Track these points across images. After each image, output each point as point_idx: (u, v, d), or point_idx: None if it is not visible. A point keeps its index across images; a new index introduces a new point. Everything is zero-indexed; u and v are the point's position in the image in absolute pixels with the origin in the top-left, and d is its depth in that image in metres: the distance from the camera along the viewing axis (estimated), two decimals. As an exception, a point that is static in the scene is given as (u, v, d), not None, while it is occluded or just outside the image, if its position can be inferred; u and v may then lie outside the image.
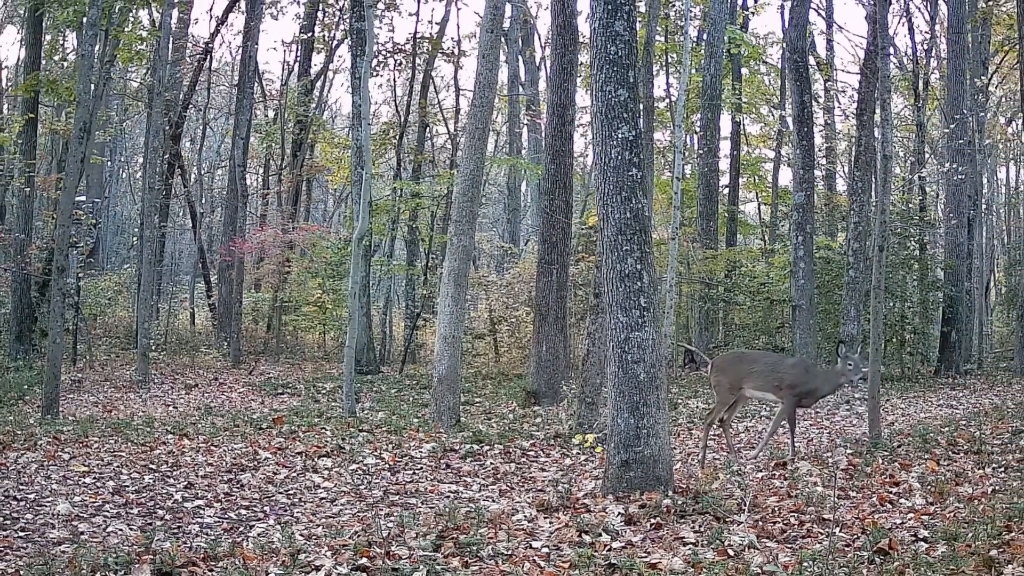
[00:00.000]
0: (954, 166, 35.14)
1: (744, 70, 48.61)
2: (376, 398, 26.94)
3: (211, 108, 58.07)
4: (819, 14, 49.27)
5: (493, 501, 13.13)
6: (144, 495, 12.81)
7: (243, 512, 12.41)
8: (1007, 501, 11.27)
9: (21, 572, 8.50)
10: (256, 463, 15.24)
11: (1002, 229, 64.34)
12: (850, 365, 16.26)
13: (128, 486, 13.22)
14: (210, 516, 12.05)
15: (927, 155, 47.06)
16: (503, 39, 31.69)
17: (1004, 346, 49.48)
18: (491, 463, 16.51)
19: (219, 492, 13.28)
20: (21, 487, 12.77)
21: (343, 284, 37.22)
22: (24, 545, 10.05)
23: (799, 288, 31.27)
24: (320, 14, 47.90)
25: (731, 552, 9.71)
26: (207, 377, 32.02)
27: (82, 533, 10.77)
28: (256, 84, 48.08)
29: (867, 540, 9.82)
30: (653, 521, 10.99)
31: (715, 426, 18.12)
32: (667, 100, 45.64)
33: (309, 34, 47.89)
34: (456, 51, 47.75)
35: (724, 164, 45.65)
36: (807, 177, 32.52)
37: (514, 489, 14.39)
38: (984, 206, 47.24)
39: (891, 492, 12.48)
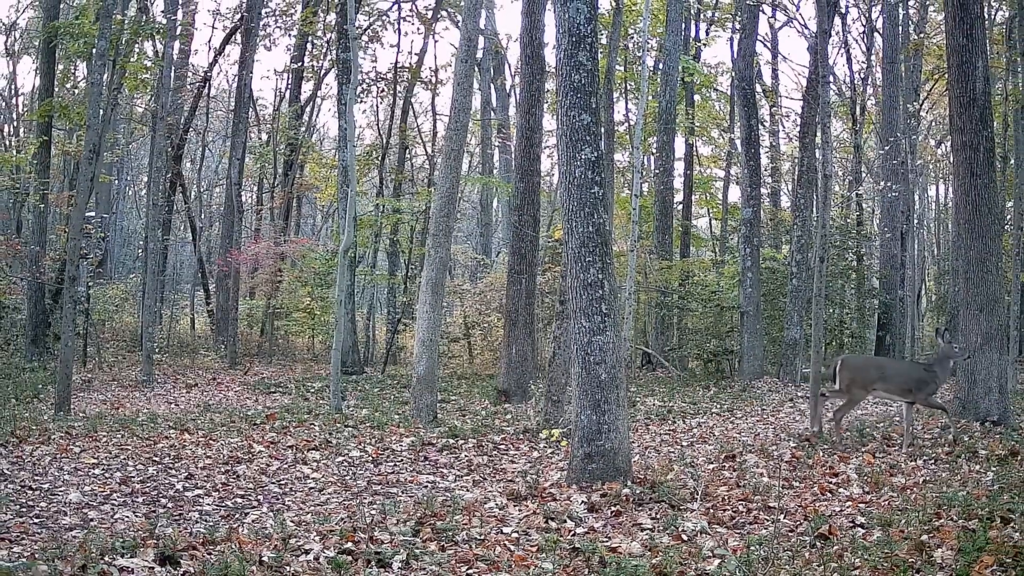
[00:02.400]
0: (888, 184, 35.26)
1: (696, 96, 48.74)
2: (360, 396, 26.87)
3: (209, 131, 58.05)
4: (765, 45, 49.45)
5: (467, 491, 13.13)
6: (148, 485, 12.77)
7: (239, 501, 12.38)
8: (937, 491, 11.34)
9: (36, 555, 8.48)
10: (251, 456, 15.20)
11: (932, 242, 64.57)
12: (956, 348, 16.28)
13: (134, 477, 13.19)
14: (209, 504, 12.02)
15: (864, 174, 47.21)
16: (476, 68, 31.70)
17: (934, 349, 49.61)
18: (465, 456, 16.51)
19: (217, 482, 13.24)
20: (36, 478, 12.73)
21: (330, 292, 37.14)
22: (39, 531, 10.02)
23: (747, 296, 31.45)
24: (309, 46, 47.84)
25: (685, 537, 9.75)
26: (206, 377, 31.92)
27: (92, 520, 10.73)
28: (251, 109, 47.94)
29: (809, 526, 9.89)
30: (613, 509, 11.03)
31: (667, 424, 18.10)
32: (626, 124, 45.67)
33: (299, 64, 47.87)
34: (433, 79, 47.77)
35: (678, 183, 45.73)
36: (754, 194, 32.71)
37: (486, 479, 14.39)
38: (916, 221, 47.28)
39: (831, 482, 12.54)
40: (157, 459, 14.52)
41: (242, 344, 41.69)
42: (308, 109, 51.91)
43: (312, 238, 55.09)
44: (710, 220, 58.91)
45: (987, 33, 22.26)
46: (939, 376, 15.99)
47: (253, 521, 10.96)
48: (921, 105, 43.69)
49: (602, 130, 12.86)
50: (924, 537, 9.00)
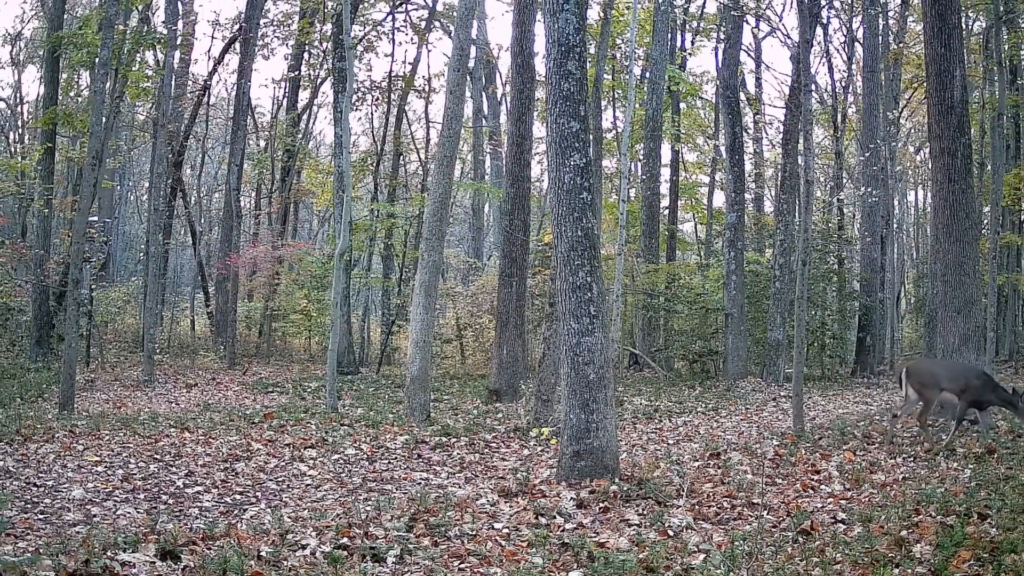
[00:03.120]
0: (869, 190, 35.32)
1: (682, 105, 48.79)
2: (355, 396, 26.87)
3: (209, 138, 57.94)
4: (749, 55, 49.41)
5: (459, 487, 13.14)
6: (150, 482, 12.76)
7: (237, 497, 12.37)
8: (916, 487, 11.38)
9: (41, 550, 8.47)
10: (249, 454, 15.20)
11: (911, 246, 64.82)
12: None
13: (135, 474, 13.18)
14: (208, 501, 12.01)
15: (845, 180, 47.29)
16: (468, 77, 31.68)
17: (913, 349, 49.77)
18: (458, 453, 16.51)
19: (216, 479, 13.24)
20: (40, 475, 12.74)
21: (326, 295, 37.12)
22: (43, 526, 10.01)
23: (731, 298, 31.55)
24: (306, 55, 47.86)
25: (671, 532, 9.78)
26: (205, 377, 31.91)
27: (95, 515, 10.72)
28: (249, 117, 47.91)
29: (791, 522, 9.91)
30: (601, 505, 11.04)
31: (654, 423, 18.09)
32: (614, 131, 45.68)
33: (296, 73, 47.87)
34: (426, 88, 47.90)
35: (664, 188, 45.77)
36: (738, 199, 32.81)
37: (478, 477, 14.39)
38: (895, 225, 47.47)
39: (813, 479, 12.56)
40: (158, 457, 14.53)
41: (241, 345, 41.69)
42: (305, 117, 51.85)
43: (309, 242, 54.86)
44: (695, 224, 59.02)
45: (964, 43, 22.31)
46: (993, 396, 15.89)
47: (251, 517, 10.96)
48: (900, 113, 43.80)
49: (590, 137, 12.87)
50: (903, 533, 9.04)
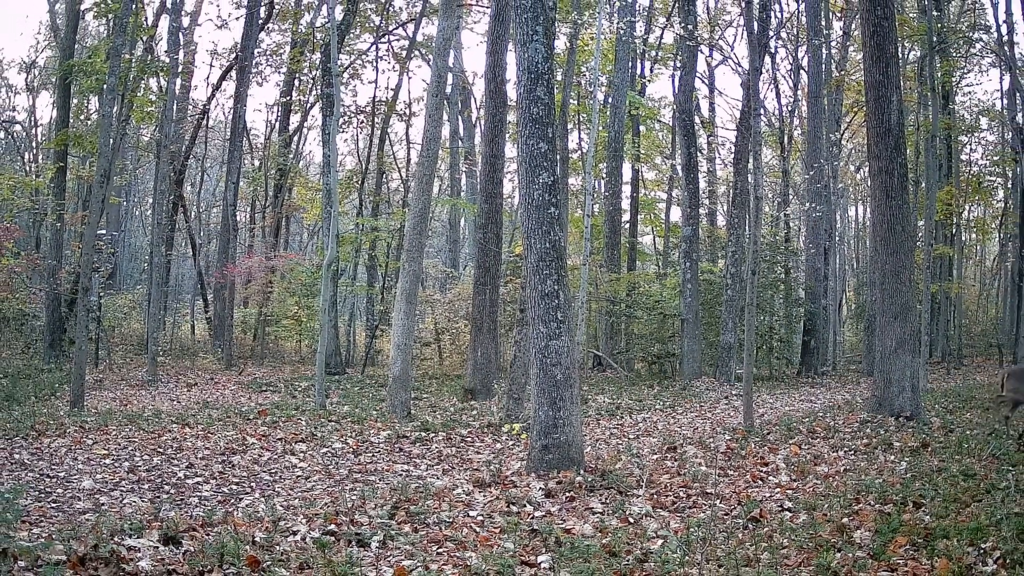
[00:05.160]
0: (813, 205, 35.49)
1: (642, 127, 48.91)
2: (342, 394, 26.77)
3: (208, 158, 57.95)
4: (703, 82, 49.70)
5: (437, 478, 13.12)
6: (153, 473, 12.72)
7: (234, 487, 12.33)
8: (856, 478, 11.42)
9: (53, 536, 8.45)
10: (244, 447, 15.15)
11: (852, 257, 65.13)
12: None
13: (140, 466, 13.14)
14: (207, 491, 11.97)
15: (791, 196, 47.42)
16: (446, 102, 31.61)
17: (854, 352, 50.08)
18: (436, 447, 16.48)
19: (214, 471, 13.20)
20: (53, 467, 12.69)
21: (315, 302, 37.03)
22: (56, 514, 9.98)
23: (687, 305, 31.58)
24: (297, 82, 47.74)
25: (631, 520, 9.79)
26: (205, 377, 31.78)
27: (103, 504, 10.68)
28: (244, 139, 47.78)
29: (742, 510, 9.95)
30: (568, 495, 11.06)
31: (616, 419, 18.05)
32: (579, 151, 45.71)
33: (288, 98, 47.77)
34: (407, 112, 47.99)
35: (626, 204, 45.92)
36: (693, 214, 32.87)
37: (455, 469, 14.37)
38: (837, 238, 47.59)
39: (762, 471, 12.59)
40: (161, 450, 14.48)
41: (237, 348, 41.57)
42: (295, 138, 51.78)
43: (299, 253, 54.90)
44: (654, 237, 59.22)
45: (901, 71, 22.43)
46: None
47: (247, 506, 10.92)
48: (842, 135, 44.03)
49: (557, 157, 12.91)
50: (845, 520, 9.07)
